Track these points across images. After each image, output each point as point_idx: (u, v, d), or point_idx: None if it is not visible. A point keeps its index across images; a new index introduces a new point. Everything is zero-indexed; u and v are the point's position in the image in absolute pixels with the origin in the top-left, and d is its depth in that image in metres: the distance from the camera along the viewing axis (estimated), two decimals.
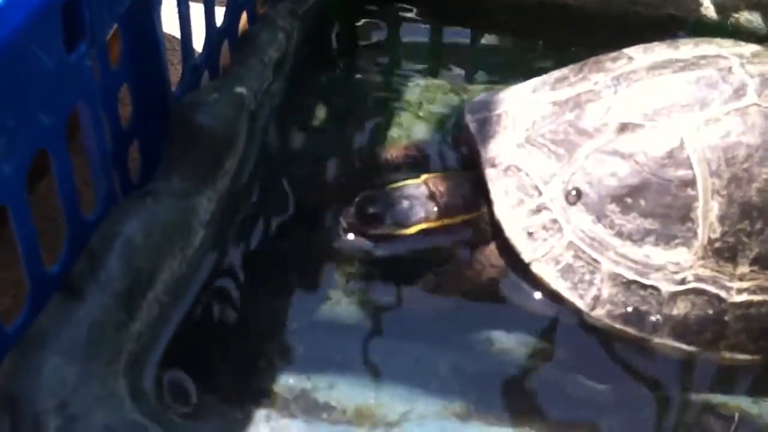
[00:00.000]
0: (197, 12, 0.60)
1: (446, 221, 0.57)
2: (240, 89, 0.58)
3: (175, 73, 0.59)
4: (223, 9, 0.65)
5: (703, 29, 0.78)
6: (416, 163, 0.64)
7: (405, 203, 0.57)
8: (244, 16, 0.68)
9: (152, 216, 0.48)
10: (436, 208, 0.57)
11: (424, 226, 0.57)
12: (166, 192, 0.50)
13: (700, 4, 0.79)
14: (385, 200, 0.57)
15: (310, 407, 0.48)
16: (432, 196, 0.57)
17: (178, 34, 0.59)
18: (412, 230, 0.57)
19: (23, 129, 0.40)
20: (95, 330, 0.43)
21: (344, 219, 0.57)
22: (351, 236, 0.57)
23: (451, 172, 0.61)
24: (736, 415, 0.51)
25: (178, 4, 0.57)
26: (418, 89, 0.72)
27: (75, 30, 0.43)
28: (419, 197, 0.57)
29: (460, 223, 0.58)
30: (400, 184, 0.59)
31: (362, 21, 0.79)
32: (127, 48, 0.52)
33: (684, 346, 0.53)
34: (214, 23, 0.63)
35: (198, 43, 0.61)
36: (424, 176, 0.59)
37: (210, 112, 0.54)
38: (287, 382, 0.49)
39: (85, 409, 0.39)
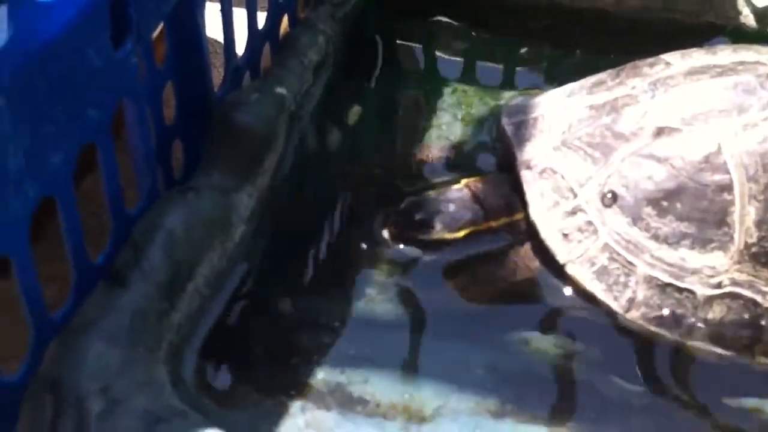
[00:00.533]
0: (239, 16, 0.61)
1: (492, 224, 0.58)
2: (280, 90, 0.59)
3: (216, 76, 0.60)
4: (265, 13, 0.66)
5: (741, 37, 0.78)
6: (453, 164, 0.64)
7: (451, 207, 0.58)
8: (285, 20, 0.70)
9: (194, 210, 0.49)
10: (482, 211, 0.58)
11: (471, 229, 0.57)
12: (207, 187, 0.51)
13: (740, 12, 0.79)
14: (430, 206, 0.58)
15: (344, 400, 0.49)
16: (476, 199, 0.58)
17: (220, 38, 0.61)
18: (461, 234, 0.57)
19: (72, 122, 0.41)
20: (138, 318, 0.44)
21: (392, 225, 0.58)
22: (399, 242, 0.58)
23: (490, 175, 0.62)
24: None
25: (222, 6, 0.58)
26: (455, 93, 0.73)
27: (122, 27, 0.45)
28: (464, 201, 0.58)
29: (503, 225, 0.58)
30: (443, 189, 0.60)
31: (400, 26, 0.80)
32: (172, 47, 0.53)
33: (719, 350, 0.53)
34: (256, 26, 0.64)
35: (240, 45, 0.62)
36: (464, 180, 0.60)
37: (251, 111, 0.56)
38: (322, 375, 0.50)
39: (127, 393, 0.40)
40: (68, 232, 0.44)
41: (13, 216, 0.38)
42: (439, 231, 0.57)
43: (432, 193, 0.60)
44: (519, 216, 0.58)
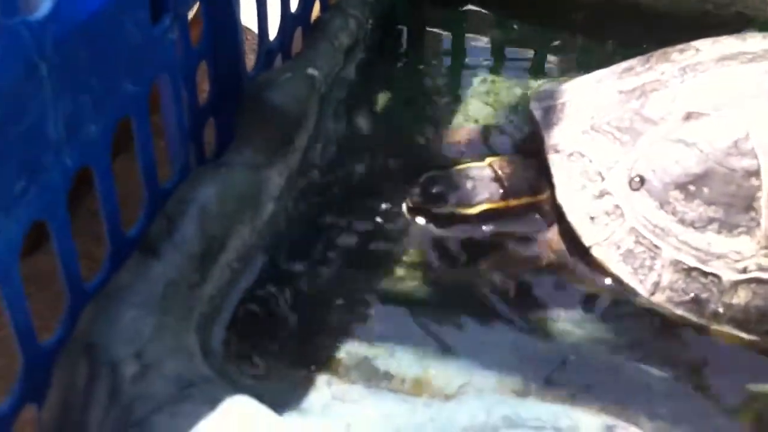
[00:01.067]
0: (272, 1, 0.62)
1: (511, 202, 0.58)
2: (312, 71, 0.60)
3: (248, 62, 0.61)
4: None
5: None
6: (481, 147, 0.65)
7: (469, 184, 0.58)
8: (317, 5, 0.71)
9: (226, 185, 0.50)
10: (501, 190, 0.58)
11: (486, 206, 0.58)
12: (239, 164, 0.52)
13: None
14: (449, 180, 0.58)
15: (370, 374, 0.50)
16: (497, 178, 0.59)
17: (251, 26, 0.62)
18: (475, 210, 0.58)
19: (110, 94, 0.43)
20: (170, 288, 0.45)
21: (409, 198, 0.59)
22: (416, 215, 0.58)
23: (517, 157, 0.62)
24: None
25: None
26: (485, 80, 0.73)
27: (160, 4, 0.46)
28: (483, 178, 0.58)
29: (524, 205, 0.59)
30: (464, 166, 0.60)
31: (431, 13, 0.80)
32: (207, 27, 0.54)
33: (744, 335, 0.53)
34: (289, 9, 0.65)
35: (272, 30, 0.63)
36: (489, 159, 0.61)
37: (283, 90, 0.57)
38: (349, 349, 0.51)
39: (159, 358, 0.41)
40: (104, 203, 0.45)
41: (53, 183, 0.40)
42: (454, 205, 0.58)
43: (453, 169, 0.60)
44: (542, 197, 0.59)
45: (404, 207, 0.59)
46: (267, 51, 0.62)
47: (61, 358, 0.42)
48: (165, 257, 0.46)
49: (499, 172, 0.59)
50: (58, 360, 0.43)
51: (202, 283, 0.47)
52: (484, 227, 0.58)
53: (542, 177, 0.59)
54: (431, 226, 0.58)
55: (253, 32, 0.65)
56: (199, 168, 0.51)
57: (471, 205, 0.58)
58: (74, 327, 0.43)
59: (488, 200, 0.58)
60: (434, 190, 0.58)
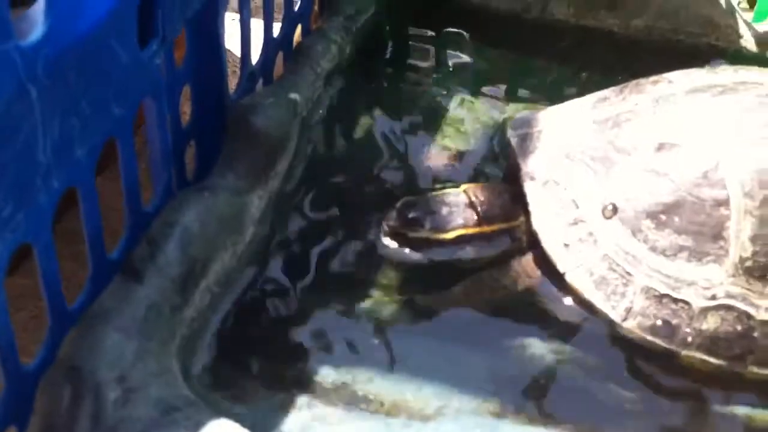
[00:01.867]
0: (254, 25, 0.63)
1: (484, 228, 0.59)
2: (293, 95, 0.61)
3: (230, 84, 0.62)
4: (279, 23, 0.68)
5: (742, 59, 0.80)
6: (458, 173, 0.66)
7: (444, 209, 0.59)
8: (298, 29, 0.71)
9: (208, 209, 0.51)
10: (474, 216, 0.59)
11: (461, 231, 0.59)
12: (222, 187, 0.53)
13: (741, 36, 0.81)
14: (425, 206, 0.60)
15: (350, 398, 0.50)
16: (471, 204, 0.60)
17: (233, 49, 0.62)
18: (450, 235, 0.59)
19: (97, 116, 0.43)
20: (152, 311, 0.45)
21: (386, 222, 0.60)
22: (392, 239, 0.59)
23: (491, 183, 0.63)
24: (761, 428, 0.52)
25: (241, 12, 0.60)
26: (462, 105, 0.74)
27: (148, 28, 0.46)
28: (459, 204, 0.60)
29: (497, 231, 0.60)
30: (440, 192, 0.61)
31: (411, 37, 0.82)
32: (192, 50, 0.55)
33: (712, 360, 0.54)
34: (272, 34, 0.66)
35: (254, 53, 0.64)
36: (464, 185, 0.62)
37: (265, 114, 0.57)
38: (328, 372, 0.52)
39: (142, 382, 0.42)
40: (88, 225, 0.46)
41: (39, 205, 0.40)
42: (428, 230, 0.59)
43: (429, 195, 0.61)
44: (515, 223, 0.60)
45: (382, 231, 0.60)
46: (249, 74, 0.63)
47: (44, 382, 0.43)
48: (148, 281, 0.46)
49: (474, 199, 0.60)
50: (40, 383, 0.43)
51: (183, 306, 0.48)
52: (459, 252, 0.59)
53: (516, 203, 0.60)
54: (407, 250, 0.59)
55: (235, 55, 0.66)
56: (182, 192, 0.52)
57: (446, 231, 0.59)
58: (56, 350, 0.44)
59: (463, 226, 0.59)
60: (410, 215, 0.59)
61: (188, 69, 0.55)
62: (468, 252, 0.59)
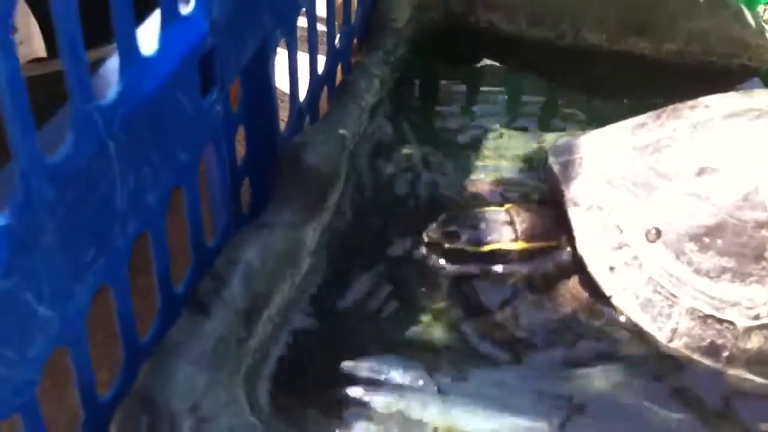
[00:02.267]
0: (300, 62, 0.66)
1: (523, 245, 0.61)
2: (342, 131, 0.64)
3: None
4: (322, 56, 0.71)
5: None
6: (500, 198, 0.68)
7: (483, 224, 0.62)
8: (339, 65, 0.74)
9: (268, 245, 0.53)
10: (513, 233, 0.61)
11: (497, 246, 0.61)
12: (279, 224, 0.55)
13: None
14: (465, 220, 0.63)
15: (405, 423, 0.52)
16: (511, 222, 0.62)
17: (281, 86, 0.65)
18: (485, 249, 0.61)
19: (166, 164, 0.46)
20: (221, 344, 0.48)
21: (425, 233, 0.63)
22: (431, 251, 0.62)
23: (534, 205, 0.65)
24: None
25: (289, 54, 0.62)
26: (501, 133, 0.77)
27: (209, 78, 0.49)
28: (498, 221, 0.62)
29: (537, 249, 0.62)
30: (482, 209, 0.64)
31: (447, 69, 0.84)
32: (245, 94, 0.57)
33: (757, 378, 0.56)
34: (317, 71, 0.68)
35: (301, 90, 0.67)
36: (507, 205, 0.64)
37: (317, 151, 0.60)
38: (383, 399, 0.54)
39: (213, 412, 0.44)
40: (158, 264, 0.48)
41: (117, 251, 0.43)
42: (464, 242, 0.62)
43: (471, 211, 0.64)
44: (555, 244, 0.62)
45: (421, 242, 0.63)
46: (298, 111, 0.65)
47: (120, 412, 0.45)
48: (215, 315, 0.48)
49: (515, 217, 0.62)
50: (116, 413, 0.45)
51: (248, 337, 0.50)
52: (508, 273, 0.61)
53: (557, 226, 0.62)
54: (442, 262, 0.62)
55: (283, 92, 0.68)
56: (243, 229, 0.54)
57: (481, 244, 0.61)
58: (130, 381, 0.46)
59: (498, 241, 0.61)
60: (449, 228, 0.62)
61: (242, 111, 0.58)
62: (516, 273, 0.62)
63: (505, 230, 0.62)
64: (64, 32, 0.35)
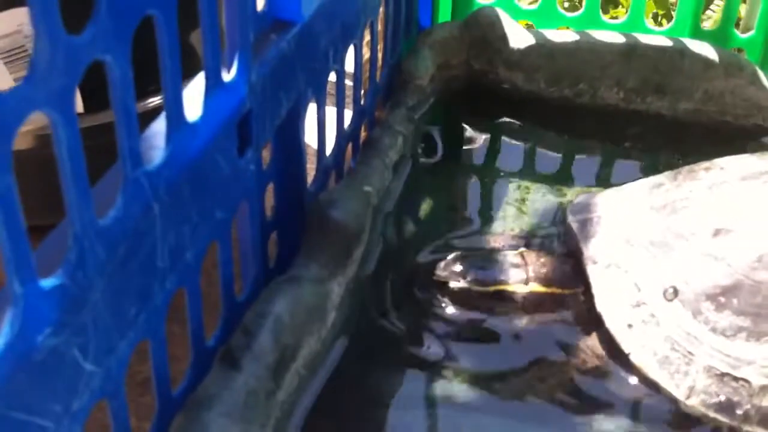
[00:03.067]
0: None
1: (535, 289, 0.62)
2: (367, 188, 0.66)
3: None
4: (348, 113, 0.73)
5: None
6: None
7: (492, 265, 0.63)
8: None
9: (296, 299, 0.55)
10: (523, 275, 0.62)
11: (502, 287, 0.62)
12: (306, 278, 0.57)
13: None
14: (474, 260, 0.63)
15: None
16: (523, 264, 0.63)
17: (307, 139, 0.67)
18: (490, 289, 0.62)
19: (203, 222, 0.48)
20: (251, 397, 0.49)
21: (435, 273, 0.63)
22: (438, 292, 0.63)
23: (553, 252, 0.67)
24: None
25: (318, 114, 0.65)
26: (520, 188, 0.78)
27: (245, 139, 0.51)
28: (507, 263, 0.63)
29: (547, 294, 0.63)
30: (496, 250, 0.65)
31: (468, 124, 0.87)
32: (276, 152, 0.60)
33: None
34: (344, 129, 0.71)
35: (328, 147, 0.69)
36: (522, 249, 0.65)
37: (343, 208, 0.62)
38: None
39: None
40: (192, 318, 0.50)
41: (156, 307, 0.44)
42: (469, 281, 0.62)
43: (483, 251, 0.65)
44: (569, 291, 0.63)
45: (433, 281, 0.63)
46: (324, 168, 0.67)
47: None
48: (245, 369, 0.50)
49: (528, 260, 0.63)
50: None
51: (276, 390, 0.52)
52: (525, 322, 0.62)
53: (574, 275, 0.64)
54: (444, 303, 0.63)
55: (310, 147, 0.70)
56: (272, 284, 0.56)
57: (487, 284, 0.62)
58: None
59: (506, 282, 0.62)
60: (456, 267, 0.63)
61: (273, 169, 0.60)
62: (534, 323, 0.63)
63: (514, 271, 0.62)
64: (120, 104, 0.37)
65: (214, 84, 0.46)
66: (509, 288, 0.62)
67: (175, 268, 0.45)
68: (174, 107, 0.42)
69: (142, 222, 0.41)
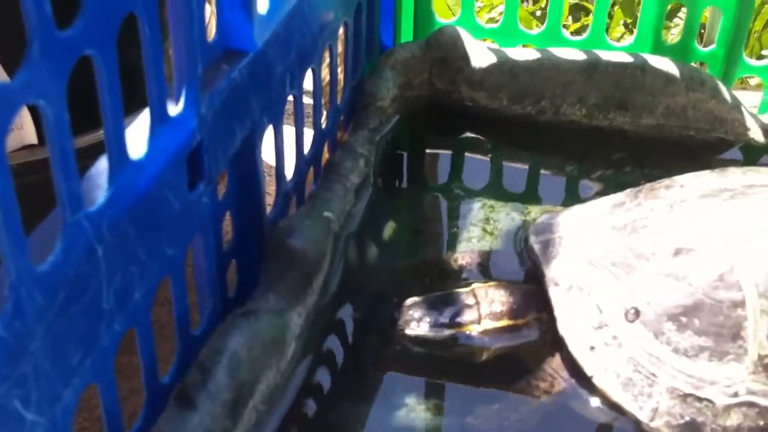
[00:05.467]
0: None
1: (487, 327, 0.62)
2: (327, 214, 0.65)
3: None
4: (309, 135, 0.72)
5: (751, 151, 0.83)
6: (486, 271, 0.69)
7: (444, 308, 0.62)
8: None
9: (254, 332, 0.54)
10: (475, 314, 0.62)
11: (457, 330, 0.62)
12: (264, 310, 0.56)
13: (748, 129, 0.84)
14: (428, 305, 0.63)
15: None
16: (475, 304, 0.63)
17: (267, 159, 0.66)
18: (445, 332, 0.62)
19: (153, 261, 0.47)
20: None
21: (390, 321, 0.63)
22: (399, 339, 0.62)
23: (505, 282, 0.66)
24: None
25: (276, 139, 0.64)
26: (484, 207, 0.78)
27: (196, 172, 0.51)
28: (461, 303, 0.63)
29: (505, 328, 0.62)
30: (447, 291, 0.64)
31: (430, 144, 0.86)
32: (232, 182, 0.59)
33: None
34: (303, 153, 0.70)
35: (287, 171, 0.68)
36: (474, 284, 0.65)
37: (302, 236, 0.61)
38: None
39: None
40: (144, 358, 0.49)
41: (104, 350, 0.43)
42: (424, 328, 0.62)
43: (435, 295, 0.64)
44: (520, 322, 0.63)
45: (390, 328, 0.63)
46: (284, 194, 0.67)
47: None
48: (201, 408, 0.49)
49: (480, 298, 0.63)
50: None
51: (233, 428, 0.51)
52: (491, 350, 0.62)
53: (526, 303, 0.63)
54: (405, 349, 0.62)
55: (269, 164, 0.69)
56: (228, 317, 0.55)
57: (440, 328, 0.62)
58: None
59: (459, 325, 0.62)
60: (412, 314, 0.62)
61: (230, 198, 0.59)
62: (499, 348, 0.62)
63: (467, 312, 0.62)
64: (56, 147, 0.36)
65: (159, 118, 0.45)
66: (464, 330, 0.62)
67: (123, 309, 0.44)
68: (116, 145, 0.42)
69: (85, 265, 0.40)
